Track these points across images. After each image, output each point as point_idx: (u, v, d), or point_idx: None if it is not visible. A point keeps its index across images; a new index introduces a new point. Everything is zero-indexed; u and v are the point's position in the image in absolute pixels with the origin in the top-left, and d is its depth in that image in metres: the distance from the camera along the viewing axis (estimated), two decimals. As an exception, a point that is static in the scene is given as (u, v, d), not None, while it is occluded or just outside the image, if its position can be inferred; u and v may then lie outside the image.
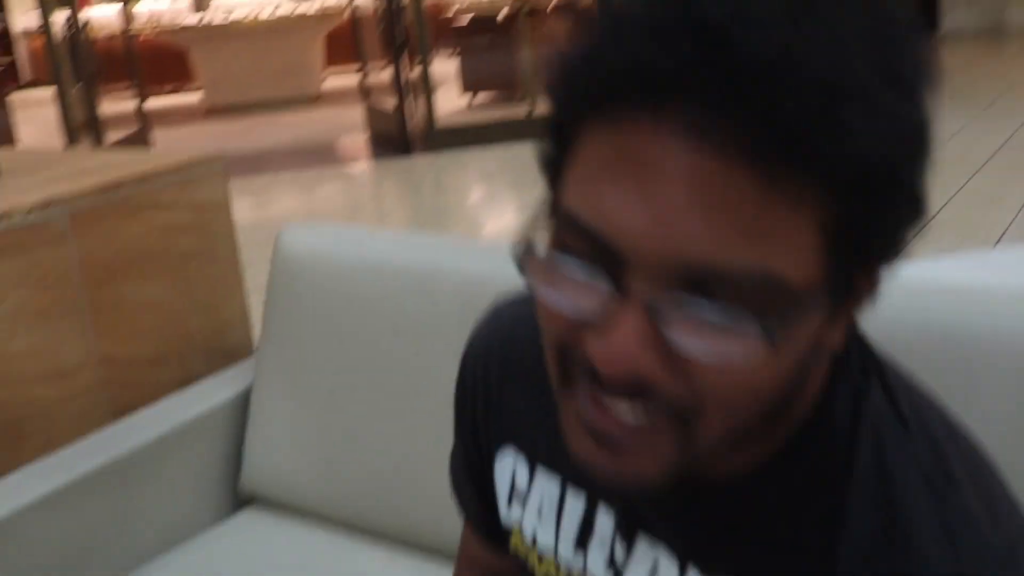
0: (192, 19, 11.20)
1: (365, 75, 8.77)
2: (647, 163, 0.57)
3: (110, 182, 1.89)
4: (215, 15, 11.18)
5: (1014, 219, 4.72)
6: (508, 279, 0.98)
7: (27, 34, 14.09)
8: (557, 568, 0.86)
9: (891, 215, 0.61)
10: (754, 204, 0.56)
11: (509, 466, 0.91)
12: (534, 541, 0.88)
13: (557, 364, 0.66)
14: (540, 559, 0.88)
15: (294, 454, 1.79)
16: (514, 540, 0.91)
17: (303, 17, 11.13)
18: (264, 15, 10.96)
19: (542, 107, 7.49)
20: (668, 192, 0.57)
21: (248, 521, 1.82)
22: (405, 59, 7.66)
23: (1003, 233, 4.56)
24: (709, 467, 0.70)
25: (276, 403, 1.81)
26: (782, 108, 0.54)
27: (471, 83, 9.22)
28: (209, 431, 1.86)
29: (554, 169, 0.65)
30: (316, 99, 11.13)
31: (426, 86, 7.53)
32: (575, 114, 0.62)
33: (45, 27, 7.62)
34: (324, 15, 11.19)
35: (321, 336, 1.76)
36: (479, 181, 6.91)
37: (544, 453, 0.87)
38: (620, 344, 0.59)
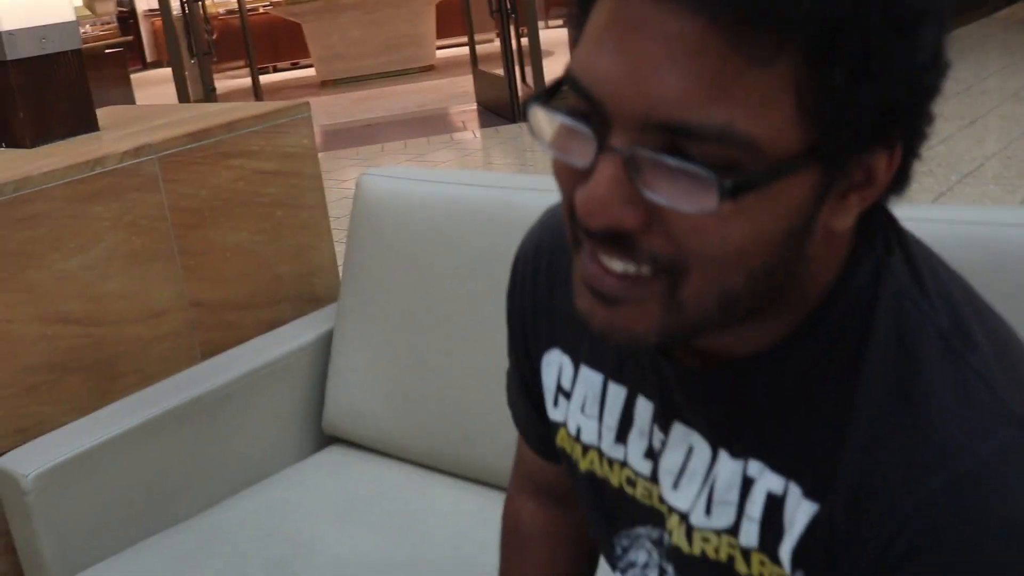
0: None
1: (474, 44, 8.85)
2: (632, 25, 0.61)
3: (199, 130, 1.98)
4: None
5: None
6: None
7: (150, 14, 14.55)
8: (600, 459, 0.90)
9: (874, 89, 0.61)
10: (722, 62, 0.59)
11: (555, 366, 0.95)
12: (578, 436, 0.92)
13: (569, 225, 0.71)
14: (584, 452, 0.92)
15: (372, 394, 1.86)
16: (560, 437, 0.95)
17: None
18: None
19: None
20: (646, 50, 0.60)
21: (330, 457, 1.90)
22: (513, 27, 7.72)
23: None
24: (726, 344, 0.73)
25: (356, 345, 1.88)
26: None
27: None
28: (293, 372, 1.95)
29: (575, 39, 0.70)
30: (429, 69, 11.27)
31: (535, 52, 7.56)
32: None
33: (163, 5, 7.89)
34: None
35: (399, 277, 1.82)
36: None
37: (587, 352, 0.91)
38: (596, 191, 0.63)
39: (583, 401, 0.92)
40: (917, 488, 0.65)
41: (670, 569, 0.85)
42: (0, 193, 1.72)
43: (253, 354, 1.92)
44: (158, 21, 12.48)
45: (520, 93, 7.82)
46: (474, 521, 1.61)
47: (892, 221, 0.75)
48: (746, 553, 0.76)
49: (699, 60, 0.59)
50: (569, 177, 0.68)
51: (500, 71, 8.05)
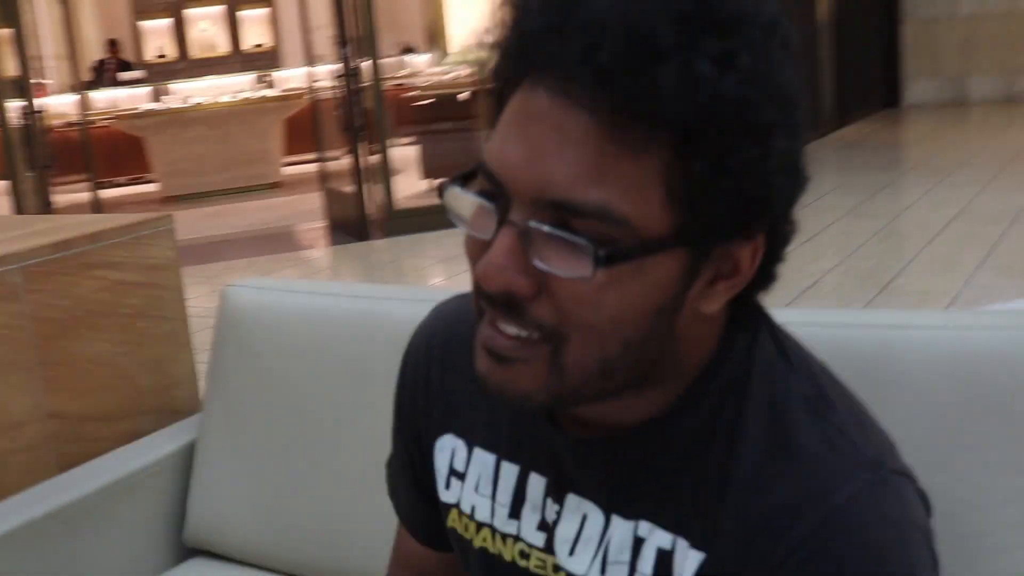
0: (149, 106, 11.39)
1: (323, 161, 8.96)
2: (533, 117, 0.74)
3: (62, 240, 2.00)
4: (172, 101, 11.37)
5: (964, 285, 4.93)
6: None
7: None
8: (493, 535, 0.97)
9: (730, 183, 0.73)
10: (599, 149, 0.72)
11: (448, 450, 1.02)
12: (472, 514, 0.99)
13: (475, 297, 0.82)
14: (478, 529, 0.99)
15: (237, 503, 1.88)
16: (451, 519, 1.02)
17: (263, 101, 11.35)
18: (223, 100, 11.16)
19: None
20: (541, 139, 0.74)
21: (192, 569, 1.90)
22: (364, 144, 7.87)
23: (954, 298, 4.75)
24: (613, 413, 0.84)
25: (220, 455, 1.91)
26: (609, 69, 0.70)
27: (432, 168, 9.37)
28: (154, 483, 1.95)
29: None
30: (276, 186, 11.30)
31: (385, 170, 7.71)
32: (504, 84, 0.79)
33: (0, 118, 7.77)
34: (284, 99, 11.42)
35: (264, 387, 1.86)
36: (438, 263, 7.05)
37: (480, 435, 0.99)
38: (495, 258, 0.75)
39: (477, 481, 0.99)
40: (791, 527, 0.76)
41: None
42: None
43: (113, 465, 1.92)
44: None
45: (367, 210, 7.93)
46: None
47: (759, 308, 0.87)
48: None
49: (582, 148, 0.72)
50: (477, 251, 0.79)
51: (349, 188, 8.15)
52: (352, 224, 8.04)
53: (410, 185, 8.89)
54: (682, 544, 0.82)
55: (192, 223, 9.55)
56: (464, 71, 9.51)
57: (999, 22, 11.36)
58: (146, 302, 2.15)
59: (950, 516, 1.00)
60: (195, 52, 16.22)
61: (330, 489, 1.78)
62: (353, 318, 1.80)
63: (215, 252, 8.00)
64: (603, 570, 0.87)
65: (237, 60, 15.92)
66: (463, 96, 9.09)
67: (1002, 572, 1.15)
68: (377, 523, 1.66)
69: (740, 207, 0.75)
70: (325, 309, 1.85)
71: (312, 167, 9.73)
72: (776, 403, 0.82)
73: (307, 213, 9.25)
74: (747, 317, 0.85)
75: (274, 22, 16.29)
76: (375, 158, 7.82)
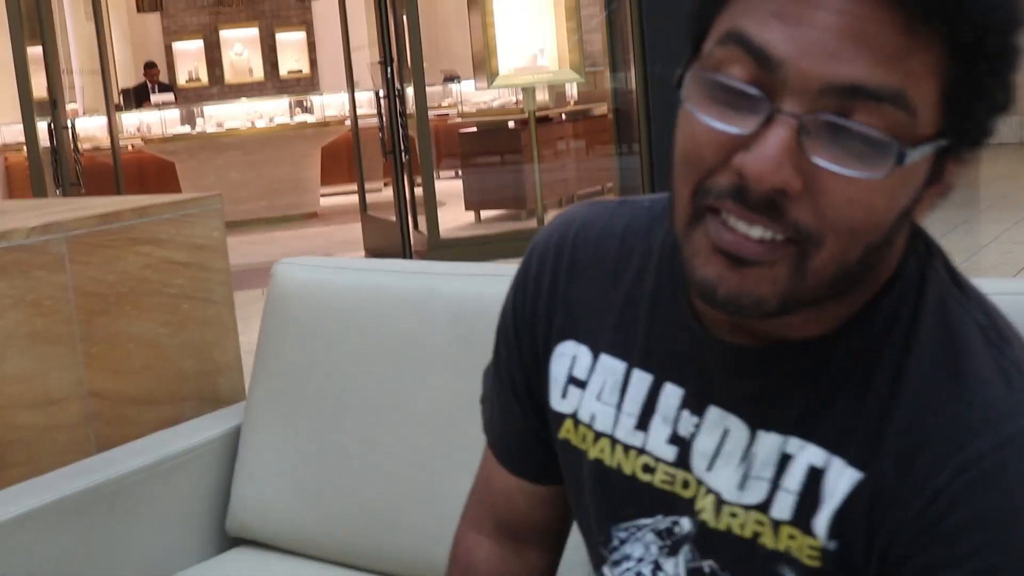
0: (181, 129, 11.54)
1: (364, 190, 9.05)
2: (819, 3, 0.73)
3: (109, 212, 2.05)
4: (206, 125, 11.51)
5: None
6: (496, 299, 1.12)
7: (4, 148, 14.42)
8: (613, 447, 0.97)
9: (989, 94, 0.76)
10: (893, 41, 0.72)
11: (568, 357, 1.02)
12: (591, 423, 0.99)
13: (690, 202, 0.80)
14: (596, 440, 0.98)
15: (284, 490, 1.89)
16: (565, 429, 1.02)
17: (302, 126, 11.46)
18: (260, 124, 11.28)
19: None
20: (825, 23, 0.72)
21: (234, 559, 1.91)
22: (406, 174, 7.95)
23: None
24: (782, 327, 0.83)
25: (266, 439, 1.92)
26: None
27: (475, 200, 9.43)
28: (196, 468, 1.97)
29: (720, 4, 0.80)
30: (313, 216, 11.39)
31: (430, 200, 7.76)
32: None
33: (29, 137, 7.90)
34: (323, 126, 11.53)
35: (314, 369, 1.88)
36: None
37: (609, 342, 0.99)
38: (769, 154, 0.73)
39: (601, 389, 0.98)
40: (963, 448, 0.77)
41: (668, 565, 0.93)
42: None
43: (154, 446, 1.95)
44: (12, 155, 12.41)
45: (412, 241, 7.98)
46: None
47: (925, 234, 0.88)
48: (776, 526, 0.85)
49: (873, 35, 0.72)
50: (717, 144, 0.77)
51: (390, 217, 8.20)
52: (392, 255, 8.08)
53: (452, 217, 8.94)
54: (837, 462, 0.82)
55: (224, 251, 9.62)
56: (511, 98, 9.58)
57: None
58: (192, 283, 2.19)
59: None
60: (228, 76, 16.43)
61: (379, 475, 1.79)
62: (405, 295, 1.82)
63: (248, 280, 8.05)
64: (741, 484, 0.87)
65: (273, 87, 16.10)
66: (511, 125, 9.16)
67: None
68: (428, 509, 1.68)
69: (991, 117, 0.78)
70: (377, 286, 1.87)
71: (349, 198, 9.79)
72: (950, 327, 0.82)
73: (345, 243, 9.31)
74: (919, 237, 0.86)
75: (311, 46, 16.48)
76: (418, 188, 7.87)
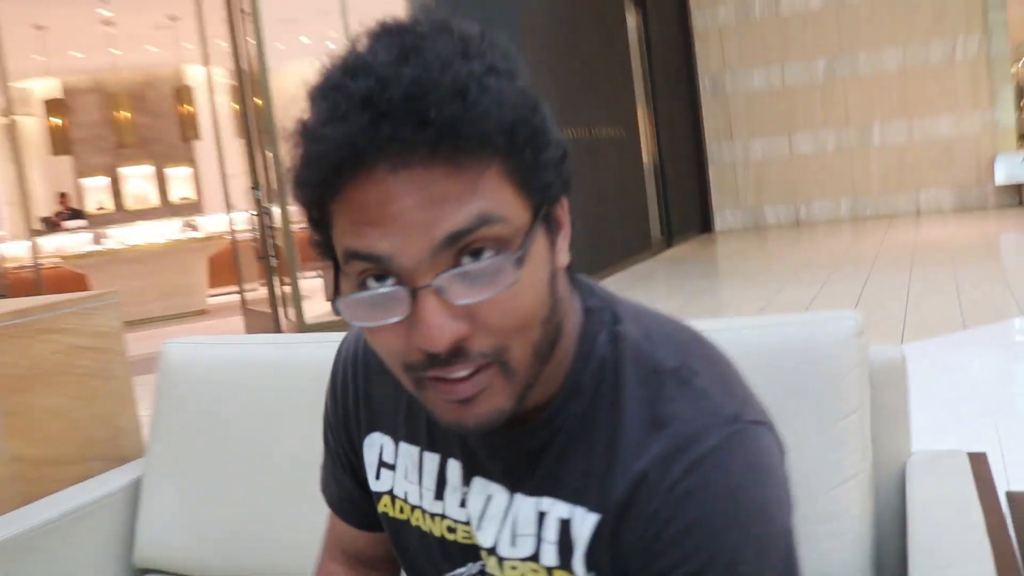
0: (92, 248, 11.15)
1: (243, 290, 8.87)
2: (382, 195, 0.70)
3: (23, 308, 1.97)
4: (111, 243, 11.16)
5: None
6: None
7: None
8: (423, 515, 0.95)
9: (543, 156, 0.75)
10: (455, 183, 0.70)
11: (377, 446, 1.00)
12: (406, 499, 0.96)
13: (408, 379, 0.77)
14: (412, 511, 0.96)
15: (179, 526, 1.83)
16: (383, 504, 0.99)
17: (191, 241, 11.23)
18: (156, 240, 11.00)
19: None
20: (400, 207, 0.70)
21: (140, 585, 1.84)
22: (276, 277, 7.85)
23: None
24: (524, 403, 0.81)
25: (164, 485, 1.86)
26: (438, 121, 0.68)
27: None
28: (105, 513, 1.88)
29: (323, 230, 0.76)
30: (202, 313, 11.08)
31: (296, 296, 7.67)
32: (324, 194, 0.73)
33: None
34: (207, 240, 11.31)
35: (199, 424, 1.84)
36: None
37: (403, 432, 0.97)
38: (432, 321, 0.71)
39: (405, 470, 0.96)
40: (665, 475, 0.77)
41: None
42: None
43: (68, 498, 1.85)
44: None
45: (284, 328, 7.84)
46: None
47: (611, 298, 0.88)
48: (549, 571, 0.84)
49: (441, 191, 0.69)
50: (393, 337, 0.74)
51: (266, 310, 8.06)
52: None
53: (316, 307, 8.82)
54: (579, 511, 0.82)
55: (131, 344, 9.28)
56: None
57: (783, 164, 11.99)
58: (96, 363, 2.10)
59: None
60: (129, 204, 15.95)
61: (259, 504, 1.74)
62: (271, 361, 1.79)
63: (147, 366, 7.74)
64: (512, 542, 0.86)
65: (166, 211, 15.69)
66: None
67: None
68: (300, 529, 1.65)
69: (555, 174, 0.77)
70: (247, 356, 1.84)
71: (231, 297, 9.57)
72: (647, 381, 0.81)
73: (229, 333, 9.07)
74: (609, 311, 0.86)
75: (196, 178, 16.17)
76: (287, 287, 7.77)
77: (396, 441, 0.98)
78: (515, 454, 0.85)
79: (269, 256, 7.74)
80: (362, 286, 0.74)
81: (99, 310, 2.12)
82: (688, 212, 12.16)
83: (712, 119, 12.28)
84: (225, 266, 10.38)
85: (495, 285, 0.71)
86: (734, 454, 0.77)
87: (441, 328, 0.71)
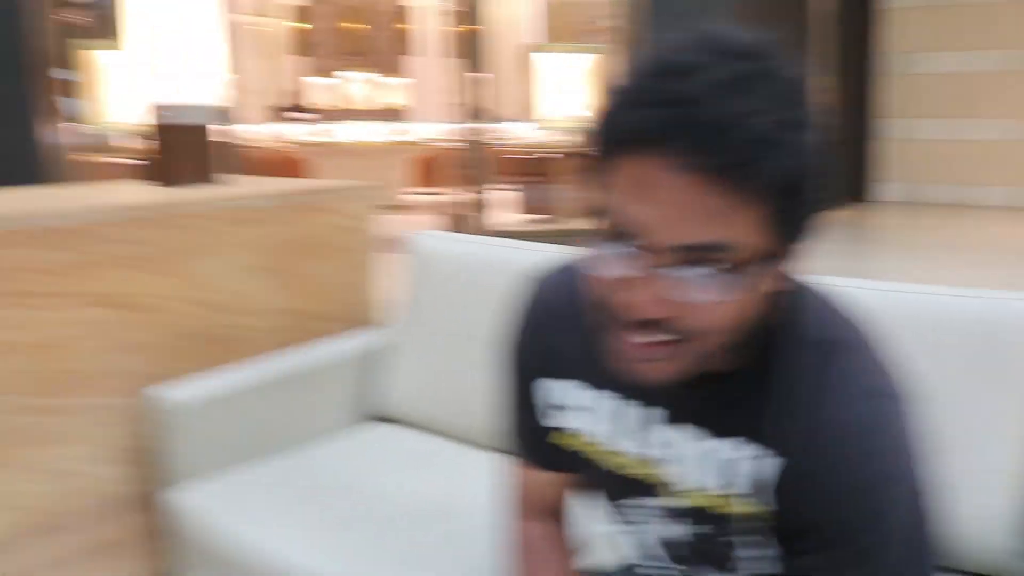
0: (314, 139, 11.73)
1: (440, 194, 9.09)
2: (654, 186, 0.72)
3: (297, 189, 2.17)
4: (326, 136, 11.74)
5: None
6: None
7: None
8: (609, 453, 0.96)
9: (805, 208, 0.75)
10: (718, 207, 0.71)
11: (563, 389, 0.99)
12: (589, 437, 0.98)
13: (601, 313, 0.80)
14: (595, 448, 0.97)
15: (418, 389, 1.98)
16: (569, 441, 1.00)
17: (400, 144, 11.63)
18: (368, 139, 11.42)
19: (572, 224, 7.89)
20: (667, 203, 0.71)
21: (380, 427, 2.02)
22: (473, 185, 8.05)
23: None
24: (712, 365, 0.82)
25: (409, 353, 2.01)
26: (730, 151, 0.69)
27: (527, 207, 9.39)
28: (353, 365, 2.06)
29: (602, 188, 0.77)
30: (394, 208, 11.41)
31: (483, 203, 7.82)
32: (610, 155, 0.75)
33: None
34: (414, 145, 11.66)
35: (443, 306, 1.97)
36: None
37: (593, 378, 0.96)
38: (643, 298, 0.75)
39: (596, 413, 0.96)
40: (822, 435, 0.80)
41: (671, 528, 0.94)
42: (174, 209, 1.89)
43: (322, 349, 2.06)
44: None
45: (470, 230, 8.05)
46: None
47: (799, 283, 0.86)
48: (737, 499, 0.86)
49: (703, 207, 0.71)
50: (608, 281, 0.77)
51: (455, 213, 8.26)
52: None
53: (508, 217, 8.93)
54: (768, 454, 0.84)
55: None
56: (551, 137, 9.59)
57: (951, 147, 11.27)
58: (351, 241, 2.28)
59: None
60: (348, 104, 16.42)
61: (479, 376, 1.81)
62: (503, 261, 1.89)
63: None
64: (707, 476, 0.88)
65: (379, 115, 16.08)
66: (552, 156, 9.18)
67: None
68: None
69: (810, 226, 0.77)
70: (490, 255, 1.95)
71: (417, 197, 9.82)
72: (820, 346, 0.83)
73: (422, 227, 9.28)
74: (797, 288, 0.86)
75: (409, 89, 16.46)
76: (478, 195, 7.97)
77: (583, 386, 0.97)
78: (708, 403, 0.87)
79: (469, 167, 7.90)
80: (610, 238, 0.76)
81: (352, 197, 2.29)
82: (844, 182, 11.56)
83: (886, 97, 11.60)
84: (418, 170, 10.61)
85: (712, 295, 0.73)
86: (865, 421, 0.79)
87: (648, 307, 0.74)
